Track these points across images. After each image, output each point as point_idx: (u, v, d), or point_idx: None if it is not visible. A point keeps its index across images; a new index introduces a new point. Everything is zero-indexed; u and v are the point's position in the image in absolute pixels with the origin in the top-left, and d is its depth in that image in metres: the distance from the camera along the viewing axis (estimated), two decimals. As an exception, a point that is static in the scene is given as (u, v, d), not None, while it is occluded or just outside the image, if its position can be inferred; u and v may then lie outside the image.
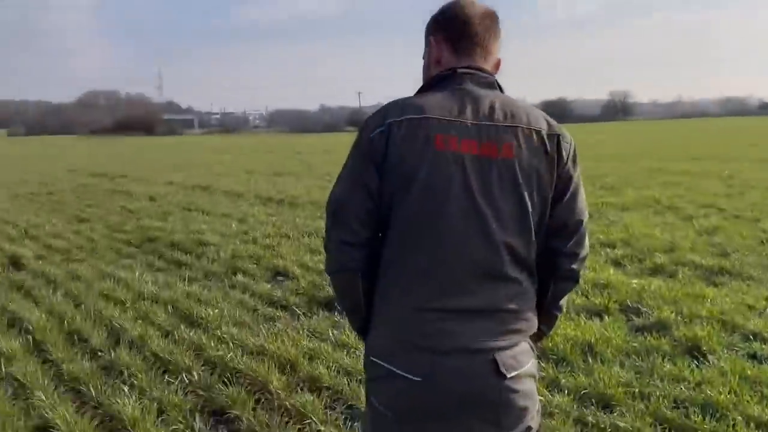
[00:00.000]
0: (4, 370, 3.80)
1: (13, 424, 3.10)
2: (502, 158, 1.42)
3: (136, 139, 56.33)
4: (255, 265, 6.32)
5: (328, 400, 3.36)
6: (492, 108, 1.45)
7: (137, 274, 6.10)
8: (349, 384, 3.47)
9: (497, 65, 1.58)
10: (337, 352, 3.99)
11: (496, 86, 1.53)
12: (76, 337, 4.36)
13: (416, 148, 1.41)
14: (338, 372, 3.67)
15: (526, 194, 1.43)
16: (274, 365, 3.77)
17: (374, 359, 1.49)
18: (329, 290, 5.22)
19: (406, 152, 1.41)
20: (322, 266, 6.00)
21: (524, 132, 1.44)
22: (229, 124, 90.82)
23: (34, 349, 4.19)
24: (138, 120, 73.73)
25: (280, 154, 26.52)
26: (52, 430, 3.06)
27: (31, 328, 4.49)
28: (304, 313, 4.88)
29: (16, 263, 6.66)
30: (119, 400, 3.28)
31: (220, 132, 79.08)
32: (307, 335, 4.36)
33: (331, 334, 4.32)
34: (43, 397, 3.34)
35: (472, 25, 1.52)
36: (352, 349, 4.02)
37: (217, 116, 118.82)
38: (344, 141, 38.49)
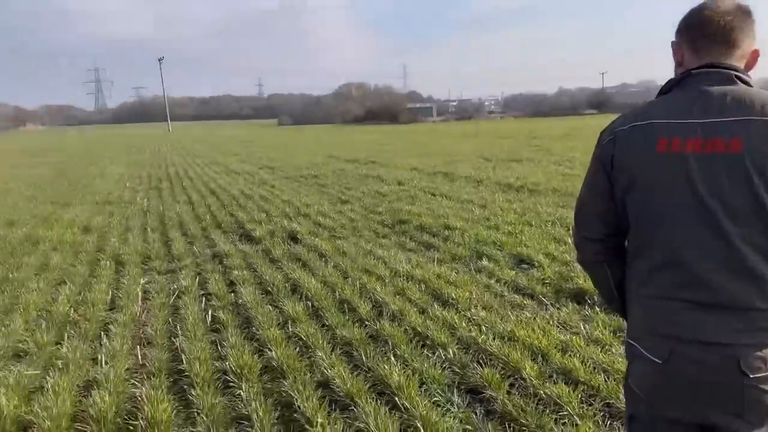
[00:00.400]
0: (290, 330, 4.44)
1: (302, 377, 3.62)
2: (729, 153, 1.42)
3: (382, 127, 60.40)
4: (499, 251, 6.43)
5: (584, 395, 3.32)
6: (723, 103, 1.46)
7: (392, 252, 6.63)
8: (606, 381, 3.38)
9: (753, 56, 1.58)
10: (591, 347, 3.90)
11: (735, 80, 1.51)
12: (346, 306, 4.91)
13: (638, 152, 1.53)
14: (594, 368, 3.59)
15: (760, 188, 1.41)
16: (526, 352, 3.84)
17: (629, 340, 1.62)
18: (578, 281, 5.11)
19: (629, 157, 1.54)
20: (567, 256, 5.89)
21: (757, 124, 1.42)
22: (466, 111, 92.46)
23: (312, 314, 4.82)
24: (385, 109, 78.92)
25: (516, 139, 26.28)
26: (331, 385, 3.52)
27: (309, 294, 5.18)
28: (552, 304, 4.85)
29: (294, 238, 7.67)
30: (386, 367, 3.64)
31: (456, 119, 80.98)
32: (557, 326, 4.34)
33: (582, 328, 4.23)
34: (323, 357, 3.85)
35: (710, 23, 1.53)
36: (606, 346, 3.90)
37: (454, 103, 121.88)
38: (582, 125, 36.45)
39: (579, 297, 4.93)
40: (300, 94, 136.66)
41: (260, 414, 3.14)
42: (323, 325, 4.55)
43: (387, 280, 5.54)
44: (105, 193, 12.84)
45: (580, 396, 3.30)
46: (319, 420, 3.07)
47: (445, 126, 57.53)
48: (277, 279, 5.67)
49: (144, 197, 12.17)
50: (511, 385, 3.48)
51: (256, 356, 3.94)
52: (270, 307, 4.93)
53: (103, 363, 3.88)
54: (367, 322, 4.52)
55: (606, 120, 1.88)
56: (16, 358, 4.04)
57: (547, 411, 3.16)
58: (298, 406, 3.24)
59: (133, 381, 3.65)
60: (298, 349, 4.07)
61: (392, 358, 3.79)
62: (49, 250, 7.32)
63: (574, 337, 4.05)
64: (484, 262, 6.04)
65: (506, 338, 4.10)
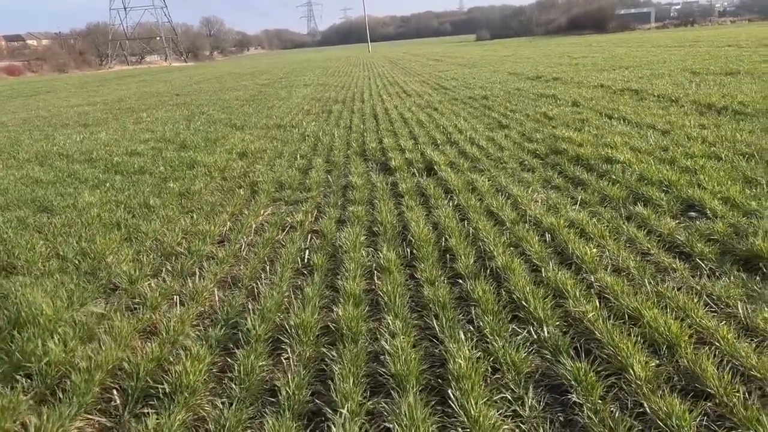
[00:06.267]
0: (371, 284, 3.96)
1: (351, 349, 3.15)
2: None
3: (586, 37, 55.30)
4: (664, 193, 5.20)
5: (707, 418, 2.39)
6: None
7: (530, 190, 5.74)
8: (745, 400, 2.41)
9: None
10: (741, 341, 2.86)
11: None
12: (447, 257, 4.28)
13: None
14: (734, 376, 2.60)
15: None
16: (643, 343, 2.92)
17: None
18: (754, 240, 3.86)
19: None
20: (754, 203, 4.55)
21: None
22: (690, 15, 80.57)
23: (406, 264, 4.27)
24: (590, 17, 72.13)
25: (740, 48, 22.04)
26: (381, 360, 3.00)
27: (413, 239, 4.62)
28: (711, 270, 3.72)
29: (430, 169, 7.08)
30: (453, 346, 3.01)
31: (676, 25, 71.18)
32: (705, 304, 3.28)
33: (741, 310, 3.14)
34: (390, 323, 3.33)
35: None
36: (766, 342, 2.82)
37: (677, 6, 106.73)
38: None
39: (750, 263, 3.74)
40: (501, 5, 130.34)
41: (288, 390, 2.75)
42: (412, 279, 4.00)
43: (507, 226, 4.75)
44: (279, 117, 13.26)
45: (700, 419, 2.38)
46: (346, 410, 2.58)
47: (660, 34, 50.83)
48: (389, 219, 5.18)
49: (312, 121, 12.32)
50: (609, 389, 2.65)
51: (319, 314, 3.53)
52: (365, 252, 4.47)
53: (178, 305, 3.78)
54: (459, 281, 3.86)
55: None
56: (106, 293, 4.12)
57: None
58: (330, 383, 2.78)
59: (190, 331, 3.47)
60: (368, 309, 3.58)
61: (463, 334, 3.12)
62: (200, 175, 7.61)
63: (722, 324, 3.01)
64: (639, 207, 4.91)
65: (626, 319, 3.18)
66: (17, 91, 36.30)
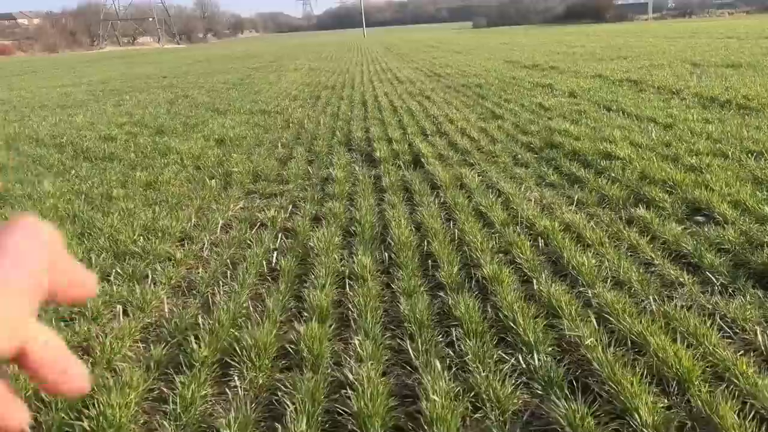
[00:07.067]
0: (342, 293, 3.53)
1: (297, 382, 2.72)
2: None
3: (583, 27, 54.69)
4: (667, 195, 4.78)
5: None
6: None
7: (523, 187, 5.31)
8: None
9: None
10: (762, 377, 2.43)
11: None
12: (429, 263, 3.85)
13: None
14: (760, 422, 2.18)
15: None
16: (649, 378, 2.50)
17: None
18: (772, 254, 3.45)
19: None
20: (767, 208, 4.13)
21: None
22: (687, 7, 79.95)
23: (383, 271, 3.84)
24: (588, 6, 71.46)
25: (741, 40, 21.60)
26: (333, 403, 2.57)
27: (393, 242, 4.19)
28: (723, 286, 3.30)
29: (417, 161, 6.63)
30: (427, 378, 2.58)
31: (674, 16, 70.65)
32: (719, 327, 2.86)
33: (761, 338, 2.72)
34: (358, 344, 2.89)
35: None
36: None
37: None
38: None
39: (766, 279, 3.33)
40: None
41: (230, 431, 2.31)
42: (388, 288, 3.56)
43: (496, 228, 4.32)
44: (264, 102, 12.73)
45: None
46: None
47: (657, 25, 50.31)
48: (368, 218, 4.73)
49: (298, 107, 11.80)
50: (603, 436, 2.23)
51: (279, 331, 3.08)
52: (338, 255, 4.03)
53: (121, 315, 3.33)
54: (440, 293, 3.43)
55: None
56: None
57: None
58: (281, 422, 2.35)
59: (128, 351, 3.03)
60: (336, 326, 3.14)
61: (440, 363, 2.68)
62: (171, 163, 7.13)
63: (740, 356, 2.60)
64: (641, 210, 4.48)
65: (629, 346, 2.76)
66: (4, 70, 35.47)
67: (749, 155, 5.66)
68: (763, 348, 2.69)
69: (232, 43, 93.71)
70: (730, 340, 2.79)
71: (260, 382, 2.67)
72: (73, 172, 6.93)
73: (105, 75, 25.45)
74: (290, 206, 5.32)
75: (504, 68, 16.82)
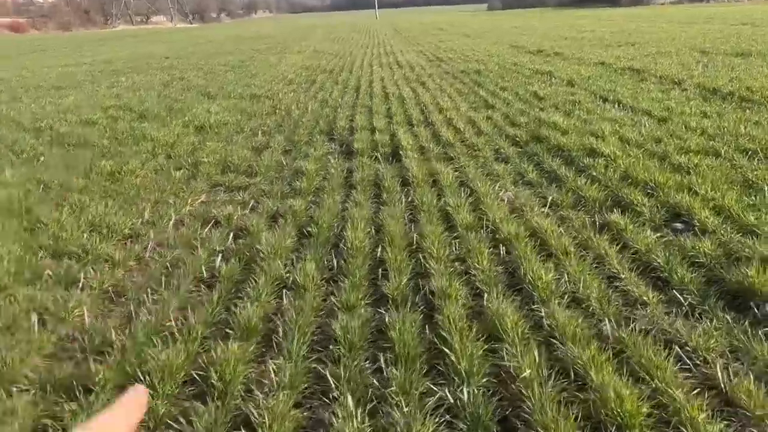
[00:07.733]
0: (277, 304, 3.26)
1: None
2: None
3: (598, 11, 53.55)
4: (648, 197, 4.46)
5: None
6: None
7: (498, 186, 5.01)
8: None
9: None
10: (714, 425, 2.15)
11: None
12: (379, 272, 3.57)
13: None
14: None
15: None
16: (582, 418, 2.22)
17: None
18: (748, 272, 3.14)
19: None
20: (752, 217, 3.82)
21: None
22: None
23: (328, 280, 3.56)
24: (604, -11, 69.92)
25: (755, 26, 20.89)
26: None
27: (345, 248, 3.90)
28: (691, 306, 3.00)
29: (396, 154, 6.32)
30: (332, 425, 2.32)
31: (691, 0, 68.96)
32: (676, 359, 2.57)
33: (719, 372, 2.42)
34: (278, 365, 2.63)
35: None
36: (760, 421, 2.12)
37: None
38: None
39: (739, 299, 3.04)
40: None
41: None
42: (328, 300, 3.29)
43: (458, 233, 4.03)
44: (258, 86, 12.42)
45: None
46: None
47: (674, 9, 49.10)
48: (327, 218, 4.45)
49: (290, 92, 11.48)
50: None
51: (195, 350, 2.83)
52: (282, 262, 3.75)
53: (36, 327, 3.10)
54: (381, 309, 3.15)
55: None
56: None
57: None
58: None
59: (29, 371, 2.79)
60: (258, 345, 2.88)
61: (349, 399, 2.41)
62: (143, 151, 6.87)
63: (695, 395, 2.31)
64: (616, 215, 4.17)
65: (570, 380, 2.48)
66: (15, 48, 35.31)
67: (743, 154, 5.30)
68: (722, 385, 2.39)
69: (245, 23, 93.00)
70: (687, 374, 2.50)
71: (161, 411, 2.42)
72: (42, 159, 6.71)
73: (112, 54, 25.17)
74: (252, 202, 5.06)
75: (507, 53, 16.36)
